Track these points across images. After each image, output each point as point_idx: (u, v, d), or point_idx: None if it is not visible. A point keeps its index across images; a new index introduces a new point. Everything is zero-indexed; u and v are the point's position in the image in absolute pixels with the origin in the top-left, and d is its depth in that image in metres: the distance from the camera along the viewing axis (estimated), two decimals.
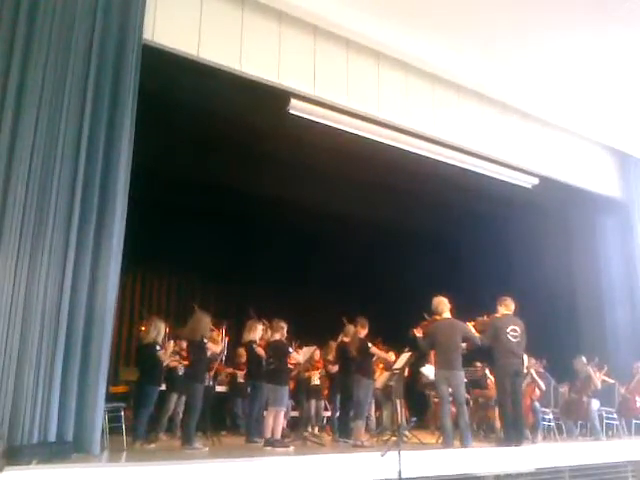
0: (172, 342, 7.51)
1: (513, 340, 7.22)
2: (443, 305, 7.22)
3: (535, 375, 8.48)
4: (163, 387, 7.50)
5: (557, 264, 11.00)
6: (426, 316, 7.47)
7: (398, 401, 8.35)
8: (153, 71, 6.00)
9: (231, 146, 8.61)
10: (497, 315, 7.54)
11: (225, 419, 9.34)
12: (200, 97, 7.16)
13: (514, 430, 7.09)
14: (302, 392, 8.93)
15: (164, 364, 7.09)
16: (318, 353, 8.91)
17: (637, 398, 9.04)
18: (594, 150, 10.39)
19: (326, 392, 9.26)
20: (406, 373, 8.71)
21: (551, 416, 8.65)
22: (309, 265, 11.90)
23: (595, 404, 8.58)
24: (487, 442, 7.88)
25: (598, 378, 8.82)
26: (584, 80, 8.86)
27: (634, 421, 9.08)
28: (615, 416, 9.02)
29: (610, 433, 8.97)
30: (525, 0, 7.15)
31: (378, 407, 9.56)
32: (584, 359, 8.97)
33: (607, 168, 10.58)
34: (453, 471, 5.80)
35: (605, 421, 8.82)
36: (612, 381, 9.22)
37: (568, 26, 7.64)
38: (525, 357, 7.80)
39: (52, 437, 4.76)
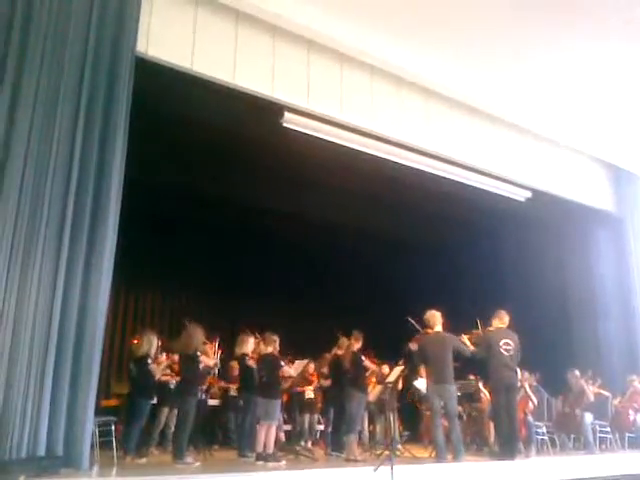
0: (164, 355, 7.47)
1: (506, 354, 7.22)
2: (435, 319, 7.22)
3: (528, 389, 8.47)
4: (155, 401, 7.44)
5: (551, 277, 11.02)
6: (418, 327, 7.44)
7: (391, 415, 8.32)
8: (147, 83, 6.01)
9: (225, 159, 8.61)
10: (491, 328, 7.56)
11: (217, 433, 9.26)
12: (194, 110, 7.17)
13: (508, 444, 7.08)
14: (295, 406, 8.88)
15: (156, 378, 7.05)
16: (312, 366, 8.86)
17: (630, 412, 9.03)
18: (587, 164, 10.45)
19: (320, 406, 9.21)
20: (399, 387, 8.70)
21: (544, 430, 8.63)
22: (303, 278, 11.88)
23: (588, 417, 8.56)
24: (480, 456, 7.86)
25: (591, 391, 8.81)
26: (577, 94, 8.93)
27: (627, 434, 9.06)
28: (608, 429, 9.01)
29: (603, 447, 8.95)
30: (519, 15, 7.20)
31: (371, 421, 9.51)
32: (577, 372, 8.97)
33: (600, 182, 10.64)
34: None
35: (598, 435, 8.81)
36: (606, 394, 9.20)
37: (561, 40, 7.70)
38: (519, 371, 7.80)
39: (41, 451, 4.71)
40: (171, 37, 6.37)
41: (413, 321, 7.40)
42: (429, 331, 7.23)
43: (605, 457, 8.14)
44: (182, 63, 6.41)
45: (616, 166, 10.62)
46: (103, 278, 5.33)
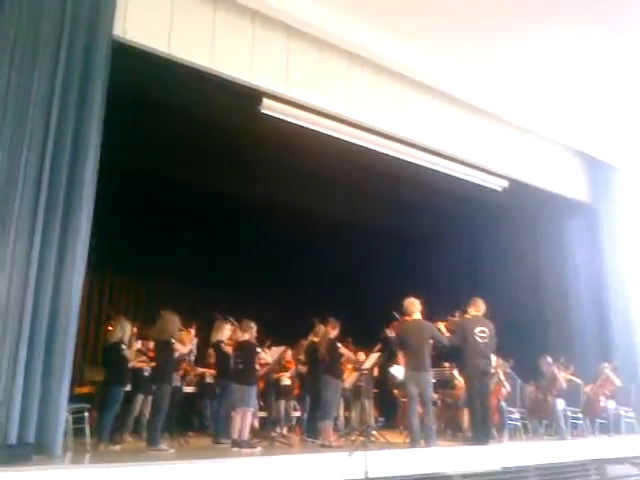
0: (139, 342, 7.43)
1: (481, 341, 7.31)
2: (413, 306, 7.26)
3: (502, 375, 8.58)
4: (129, 387, 7.40)
5: (526, 266, 11.15)
6: (396, 315, 7.49)
7: (367, 401, 8.38)
8: (123, 68, 5.91)
9: (202, 145, 8.54)
10: (467, 316, 7.63)
11: (193, 420, 9.25)
12: (172, 94, 7.09)
13: (481, 430, 7.18)
14: (271, 392, 8.88)
15: (130, 364, 7.01)
16: (290, 353, 8.87)
17: (601, 398, 9.19)
18: (563, 154, 10.55)
19: (296, 392, 9.24)
20: (375, 373, 8.75)
21: (517, 416, 8.76)
22: (280, 265, 11.87)
23: (560, 404, 8.69)
24: (454, 442, 7.95)
25: (564, 378, 8.95)
26: (553, 84, 8.98)
27: (598, 420, 9.24)
28: (580, 415, 9.17)
29: (575, 432, 9.11)
30: (493, 4, 7.20)
31: (347, 407, 9.57)
32: (550, 359, 9.10)
33: (575, 172, 10.75)
34: (420, 470, 5.83)
35: (570, 420, 8.95)
36: (578, 381, 9.36)
37: (537, 29, 7.72)
38: (493, 357, 7.89)
39: (12, 439, 4.64)
40: (148, 21, 6.26)
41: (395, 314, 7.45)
42: (407, 318, 7.27)
43: (576, 442, 8.28)
44: (159, 47, 6.31)
45: (590, 156, 10.73)
46: (77, 263, 5.26)
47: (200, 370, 8.88)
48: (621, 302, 10.34)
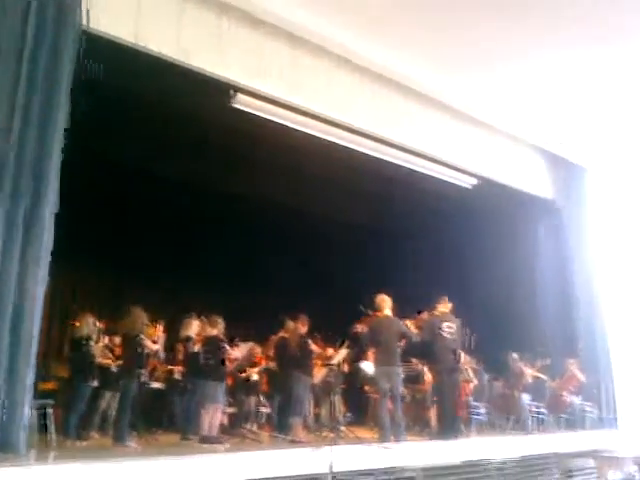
0: (106, 337, 7.33)
1: (449, 337, 7.39)
2: (385, 303, 7.31)
3: (470, 371, 8.68)
4: (95, 384, 7.30)
5: (494, 263, 11.26)
6: (364, 309, 7.51)
7: (336, 397, 8.40)
8: (90, 58, 5.81)
9: (172, 136, 8.44)
10: (435, 313, 7.71)
11: (161, 416, 9.15)
12: (141, 85, 6.99)
13: (449, 424, 7.27)
14: (241, 388, 8.85)
15: (96, 360, 6.91)
16: (259, 350, 8.84)
17: (566, 394, 9.36)
18: (530, 153, 10.70)
19: (265, 388, 9.21)
20: (345, 369, 8.78)
21: (484, 410, 8.87)
22: (250, 261, 11.79)
23: (526, 399, 8.84)
24: (423, 436, 8.02)
25: (529, 374, 9.10)
26: (520, 84, 9.07)
27: (563, 415, 9.40)
28: (545, 410, 9.32)
29: (539, 427, 9.27)
30: (464, 3, 7.27)
31: (317, 403, 9.57)
32: (516, 355, 9.24)
33: (542, 171, 10.92)
34: (386, 464, 5.88)
35: (535, 415, 9.10)
36: (543, 377, 9.52)
37: (506, 29, 7.79)
38: (461, 354, 7.97)
39: None
40: (115, 10, 6.16)
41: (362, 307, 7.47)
42: (379, 314, 7.31)
43: (541, 437, 8.42)
44: (126, 37, 6.22)
45: (557, 156, 10.90)
46: (42, 257, 5.16)
47: (168, 367, 8.81)
48: (586, 299, 10.52)
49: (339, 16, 7.36)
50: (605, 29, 7.73)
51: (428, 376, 8.93)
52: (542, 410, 9.27)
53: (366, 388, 9.56)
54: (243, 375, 8.68)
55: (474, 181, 9.60)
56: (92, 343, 6.79)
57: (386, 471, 5.87)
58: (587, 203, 11.03)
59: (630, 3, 7.26)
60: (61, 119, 5.42)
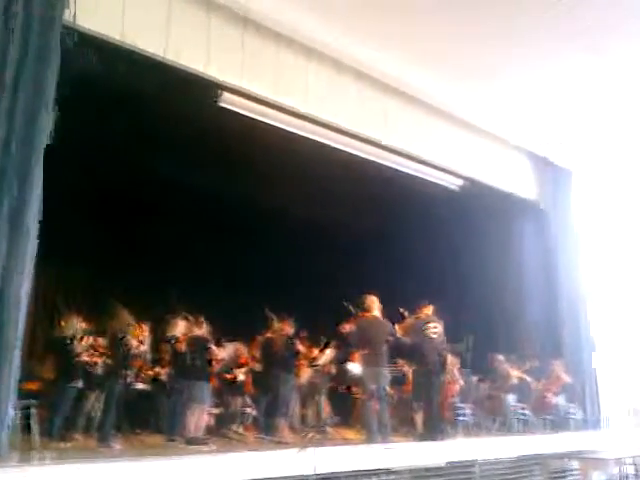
0: (91, 338, 7.28)
1: (435, 337, 7.41)
2: (374, 304, 7.32)
3: (455, 372, 8.71)
4: (80, 384, 7.24)
5: (480, 264, 11.31)
6: (352, 308, 7.50)
7: (321, 398, 8.40)
8: (76, 55, 5.77)
9: (156, 135, 8.39)
10: (420, 315, 7.73)
11: (146, 417, 9.09)
12: (127, 83, 6.94)
13: (434, 425, 7.28)
14: (226, 389, 8.82)
15: (80, 360, 6.85)
16: (245, 350, 8.82)
17: (550, 395, 9.41)
18: (515, 154, 10.79)
19: (251, 389, 9.18)
20: (332, 370, 8.78)
21: (469, 412, 8.90)
22: (236, 261, 11.75)
23: (511, 400, 8.88)
24: (408, 437, 8.03)
25: (514, 375, 9.14)
26: (508, 87, 9.15)
27: (547, 416, 9.46)
28: (529, 412, 9.37)
29: (524, 428, 9.32)
30: (449, 3, 7.30)
31: (302, 404, 9.56)
32: (501, 357, 9.29)
33: (527, 172, 11.00)
34: (371, 466, 5.89)
35: (520, 416, 9.15)
36: (527, 378, 9.58)
37: (491, 34, 7.86)
38: (447, 355, 8.00)
39: None
40: (101, 6, 6.12)
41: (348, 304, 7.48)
42: (366, 315, 7.31)
43: (526, 438, 8.46)
44: (112, 35, 6.18)
45: (542, 157, 10.98)
46: (27, 257, 5.11)
47: (153, 367, 8.75)
48: (571, 300, 10.60)
49: (326, 15, 7.38)
50: (589, 37, 7.88)
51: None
52: (527, 411, 9.32)
53: (353, 389, 9.57)
54: (229, 376, 8.65)
55: (461, 182, 9.64)
56: (77, 343, 6.72)
57: (372, 473, 5.88)
58: (573, 205, 11.12)
59: (611, 14, 7.42)
60: (46, 121, 5.38)
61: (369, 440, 6.76)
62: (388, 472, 6.02)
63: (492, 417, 9.28)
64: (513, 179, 10.62)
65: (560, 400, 9.51)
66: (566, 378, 9.53)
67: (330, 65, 8.06)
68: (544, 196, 11.04)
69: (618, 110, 9.83)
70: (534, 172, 11.09)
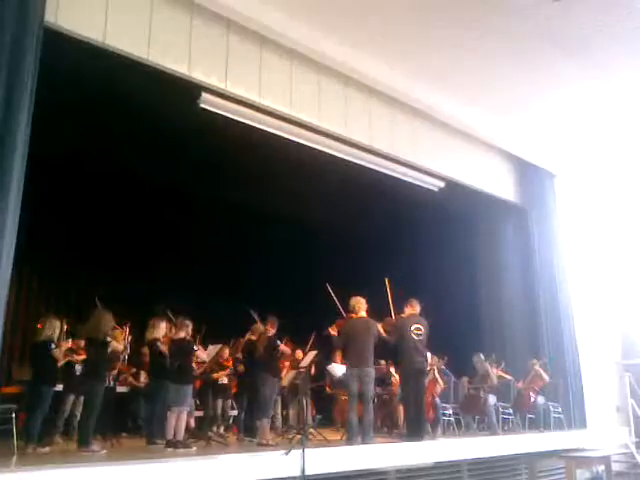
0: (70, 340, 7.19)
1: (417, 338, 7.43)
2: (360, 304, 7.31)
3: (437, 372, 8.74)
4: (59, 387, 7.16)
5: (460, 266, 11.38)
6: (337, 301, 7.50)
7: (304, 399, 8.38)
8: (56, 56, 5.70)
9: (136, 136, 8.33)
10: (403, 315, 7.74)
11: (126, 420, 9.03)
12: (108, 85, 6.89)
13: (416, 425, 7.30)
14: (208, 391, 8.77)
15: (59, 363, 6.77)
16: (227, 351, 8.77)
17: (531, 394, 9.47)
18: (496, 156, 10.85)
19: (233, 391, 9.14)
20: (312, 371, 8.76)
21: (451, 411, 8.95)
22: (218, 262, 11.72)
23: (492, 399, 8.92)
24: (390, 438, 8.05)
25: (495, 374, 9.20)
26: (492, 91, 9.22)
27: (528, 416, 9.53)
28: (511, 411, 9.44)
29: (506, 427, 9.38)
30: (434, 4, 7.33)
31: (285, 405, 9.55)
32: (482, 356, 9.34)
33: (507, 174, 11.08)
34: (356, 467, 5.88)
35: (501, 416, 9.21)
36: (508, 377, 9.64)
37: (474, 38, 7.92)
38: (428, 355, 8.03)
39: None
40: (82, 7, 6.06)
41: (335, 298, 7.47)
42: (353, 316, 7.30)
43: (507, 437, 8.51)
44: (94, 36, 6.11)
45: (522, 160, 11.06)
46: (4, 259, 5.03)
47: (134, 370, 8.69)
48: (550, 301, 10.68)
49: (309, 17, 7.39)
50: (572, 42, 7.98)
51: (396, 377, 8.98)
52: (508, 410, 9.39)
53: (337, 390, 9.57)
54: (211, 378, 8.60)
55: (441, 184, 9.68)
56: (55, 345, 6.63)
57: (359, 474, 5.88)
58: (556, 208, 11.21)
59: (589, 22, 7.58)
60: (24, 120, 5.30)
61: (353, 441, 6.75)
62: (373, 473, 6.02)
63: (473, 416, 9.33)
64: (496, 182, 10.69)
65: (541, 399, 9.57)
66: (546, 376, 9.59)
67: (314, 67, 8.04)
68: (527, 199, 11.12)
69: (602, 113, 9.97)
70: (517, 175, 11.18)
